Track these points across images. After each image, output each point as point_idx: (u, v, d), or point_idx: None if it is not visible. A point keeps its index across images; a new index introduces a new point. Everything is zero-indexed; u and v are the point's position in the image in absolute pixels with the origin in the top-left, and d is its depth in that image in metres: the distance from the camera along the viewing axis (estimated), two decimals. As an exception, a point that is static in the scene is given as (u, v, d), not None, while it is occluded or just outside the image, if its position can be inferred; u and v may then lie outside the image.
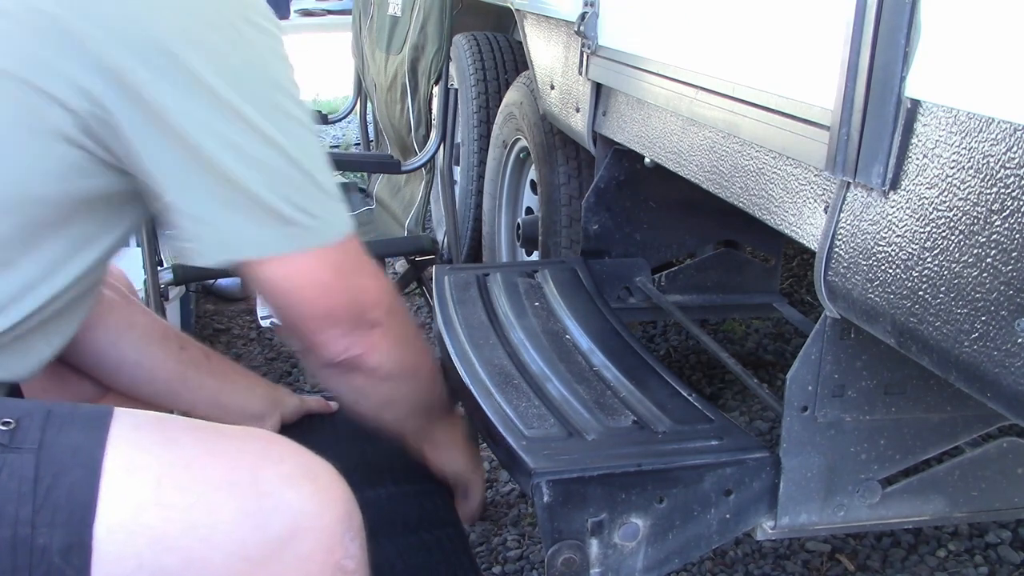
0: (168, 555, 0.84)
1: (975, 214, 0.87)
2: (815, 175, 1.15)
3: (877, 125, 0.98)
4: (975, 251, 0.87)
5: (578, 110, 1.96)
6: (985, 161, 0.85)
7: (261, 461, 0.90)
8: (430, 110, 2.10)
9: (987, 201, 0.85)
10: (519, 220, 2.58)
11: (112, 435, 0.86)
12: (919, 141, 0.94)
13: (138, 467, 0.86)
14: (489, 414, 1.31)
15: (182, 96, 0.88)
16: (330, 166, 1.02)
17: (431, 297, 1.79)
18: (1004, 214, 0.83)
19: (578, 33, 1.84)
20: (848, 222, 1.05)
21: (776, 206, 1.25)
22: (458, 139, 3.11)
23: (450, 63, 2.60)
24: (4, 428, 0.85)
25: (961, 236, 0.88)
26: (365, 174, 2.87)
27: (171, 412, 1.26)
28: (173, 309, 2.48)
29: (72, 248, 0.95)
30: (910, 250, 0.95)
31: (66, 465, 0.84)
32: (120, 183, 0.94)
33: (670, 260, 2.05)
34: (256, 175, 0.91)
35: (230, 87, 0.90)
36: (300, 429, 1.77)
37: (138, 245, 2.43)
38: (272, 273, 0.96)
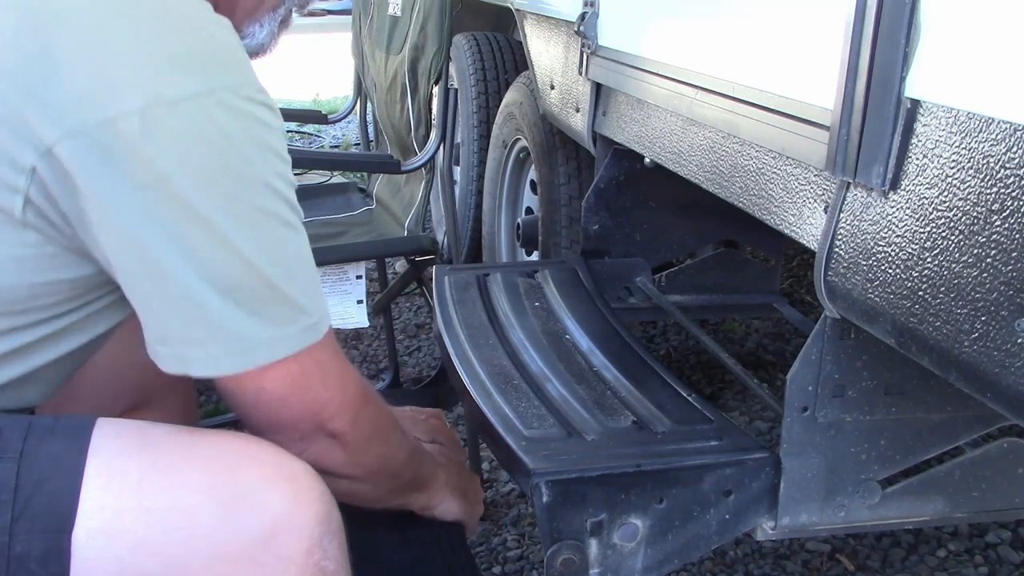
0: (149, 559, 0.84)
1: (975, 214, 0.86)
2: (815, 175, 1.15)
3: (877, 125, 0.98)
4: (975, 251, 0.86)
5: (578, 110, 1.96)
6: (985, 161, 0.85)
7: (240, 463, 0.89)
8: (430, 110, 2.10)
9: (987, 201, 0.85)
10: (519, 220, 2.58)
11: (93, 443, 0.86)
12: (919, 141, 0.94)
13: (118, 472, 0.86)
14: (488, 414, 1.31)
15: (125, 188, 0.81)
16: (307, 269, 0.92)
17: (431, 297, 1.79)
18: (1004, 214, 0.83)
19: (578, 33, 1.84)
20: (848, 222, 1.05)
21: (776, 206, 1.25)
22: (458, 139, 3.11)
23: (450, 63, 2.60)
24: None
25: (961, 236, 0.88)
26: (365, 174, 2.87)
27: None
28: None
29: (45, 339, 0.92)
30: (910, 250, 0.95)
31: (46, 474, 0.84)
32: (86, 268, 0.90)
33: (670, 260, 2.05)
34: (208, 285, 0.84)
35: (192, 184, 0.82)
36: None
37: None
38: (225, 385, 0.91)
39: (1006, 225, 0.83)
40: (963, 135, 0.88)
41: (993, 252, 0.84)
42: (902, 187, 0.97)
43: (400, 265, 2.89)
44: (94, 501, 0.83)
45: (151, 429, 0.93)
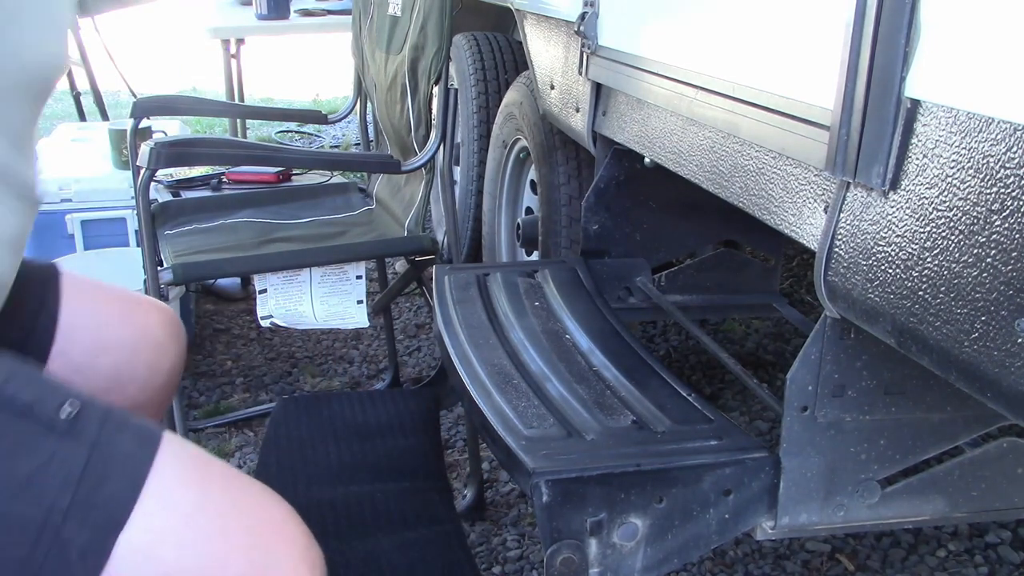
0: None
1: (975, 214, 0.86)
2: (815, 175, 1.15)
3: (877, 125, 0.98)
4: (975, 251, 0.87)
5: (578, 110, 1.96)
6: (985, 161, 0.85)
7: (277, 534, 0.92)
8: (430, 110, 2.10)
9: (987, 201, 0.85)
10: (519, 220, 2.58)
11: (159, 459, 0.87)
12: (919, 141, 0.94)
13: (173, 500, 0.87)
14: (488, 414, 1.31)
15: None
16: None
17: (431, 297, 1.79)
18: (1004, 214, 0.83)
19: (578, 33, 1.84)
20: (848, 222, 1.05)
21: (776, 206, 1.25)
22: (458, 139, 3.11)
23: (450, 63, 2.60)
24: (68, 410, 0.85)
25: (961, 236, 0.88)
26: (365, 174, 2.87)
27: None
28: (173, 309, 2.48)
29: None
30: (910, 250, 0.95)
31: (113, 471, 0.85)
32: None
33: (670, 260, 2.05)
34: None
35: None
36: (298, 426, 1.78)
37: (138, 245, 2.43)
38: None
39: (1006, 225, 0.83)
40: (963, 135, 0.88)
41: (993, 252, 0.84)
42: (902, 187, 0.97)
43: (400, 265, 2.89)
44: (143, 519, 0.85)
45: (213, 466, 0.94)
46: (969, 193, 0.87)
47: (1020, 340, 0.82)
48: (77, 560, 0.82)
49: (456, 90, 2.06)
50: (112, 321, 1.25)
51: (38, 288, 1.19)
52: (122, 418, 0.89)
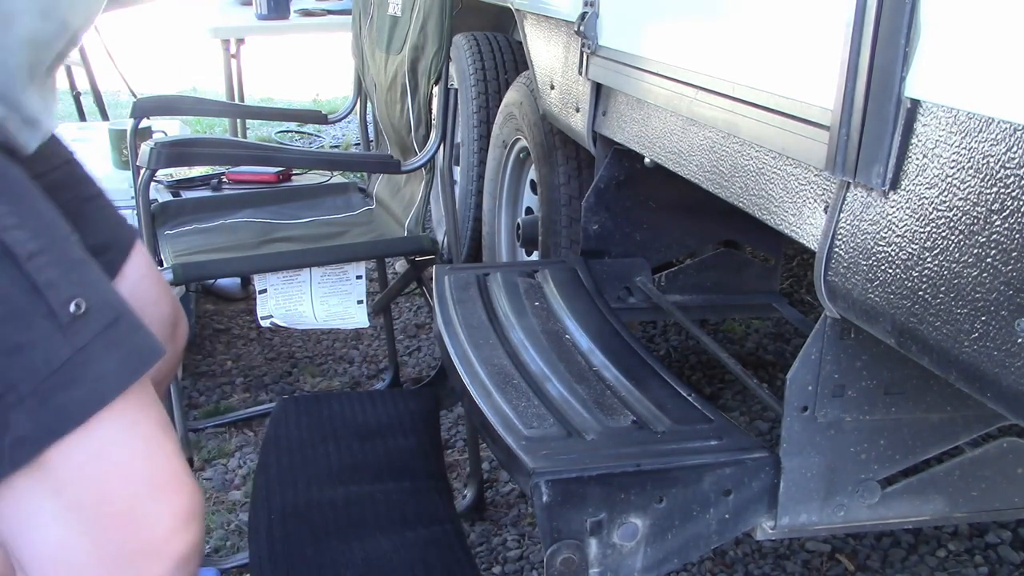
0: (51, 500, 0.86)
1: (975, 214, 0.86)
2: (815, 175, 1.15)
3: (877, 125, 0.98)
4: (975, 251, 0.87)
5: (578, 110, 1.96)
6: (985, 161, 0.85)
7: (170, 489, 0.93)
8: (430, 110, 2.10)
9: (987, 201, 0.85)
10: (519, 220, 2.58)
11: (129, 392, 0.88)
12: (919, 141, 0.94)
13: (102, 430, 0.87)
14: (488, 414, 1.31)
15: None
16: None
17: (431, 297, 1.79)
18: (1004, 214, 0.83)
19: (578, 33, 1.84)
20: (848, 222, 1.05)
21: (776, 206, 1.25)
22: (458, 139, 3.11)
23: (450, 63, 2.60)
24: (75, 307, 0.85)
25: (961, 236, 0.88)
26: (365, 174, 2.87)
27: None
28: (173, 309, 2.48)
29: None
30: (910, 250, 0.95)
31: (82, 383, 0.85)
32: None
33: (670, 260, 2.05)
34: None
35: None
36: (298, 426, 1.78)
37: (138, 245, 2.43)
38: None
39: (1006, 225, 0.83)
40: (963, 135, 0.88)
41: (993, 252, 0.84)
42: (902, 187, 0.97)
43: (400, 265, 2.89)
44: (73, 441, 0.85)
45: (149, 410, 0.93)
46: (969, 193, 0.87)
47: (1020, 340, 0.82)
48: (7, 448, 0.82)
49: (456, 90, 2.06)
50: (146, 293, 1.29)
51: (118, 226, 1.26)
52: (124, 334, 0.89)
